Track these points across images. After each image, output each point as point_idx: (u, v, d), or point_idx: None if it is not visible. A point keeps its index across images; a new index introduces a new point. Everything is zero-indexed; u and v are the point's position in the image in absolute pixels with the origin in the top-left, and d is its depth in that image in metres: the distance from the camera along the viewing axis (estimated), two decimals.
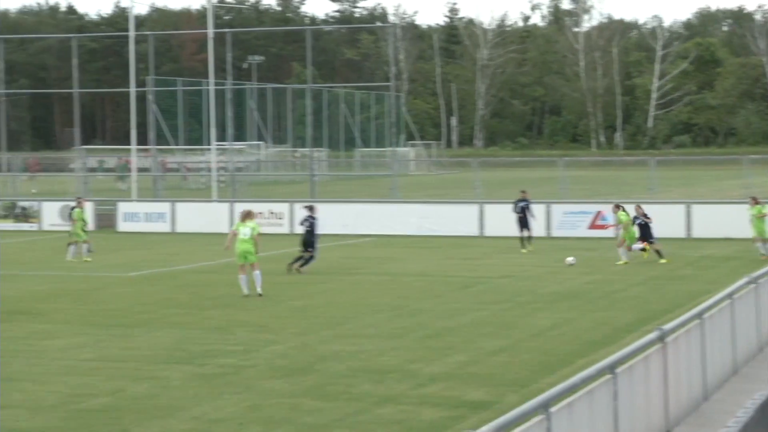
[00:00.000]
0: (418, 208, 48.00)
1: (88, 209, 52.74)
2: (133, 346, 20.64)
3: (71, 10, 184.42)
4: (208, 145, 65.13)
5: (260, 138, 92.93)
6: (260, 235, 28.52)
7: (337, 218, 43.77)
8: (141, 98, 60.93)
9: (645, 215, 34.66)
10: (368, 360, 19.18)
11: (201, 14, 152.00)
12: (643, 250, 34.20)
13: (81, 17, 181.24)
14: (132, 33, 56.94)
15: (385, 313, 24.72)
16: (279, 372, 18.16)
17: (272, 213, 49.84)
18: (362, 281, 30.73)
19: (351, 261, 33.51)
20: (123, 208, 51.62)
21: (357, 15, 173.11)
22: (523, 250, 37.21)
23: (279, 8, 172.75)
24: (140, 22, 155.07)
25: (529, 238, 38.03)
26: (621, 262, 33.55)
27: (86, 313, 25.14)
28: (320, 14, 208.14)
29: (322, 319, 24.00)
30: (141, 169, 62.66)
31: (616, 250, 34.46)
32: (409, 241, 42.78)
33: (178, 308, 25.69)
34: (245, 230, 27.92)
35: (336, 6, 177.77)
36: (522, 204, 38.45)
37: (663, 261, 33.78)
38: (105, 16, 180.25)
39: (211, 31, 55.54)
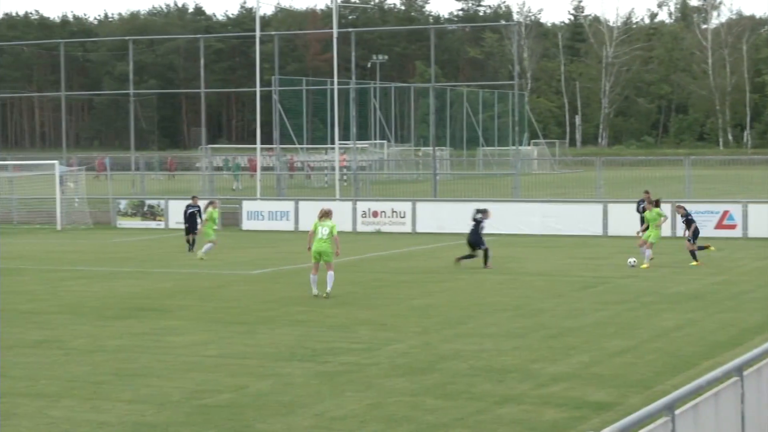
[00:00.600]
0: (540, 207, 47.69)
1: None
2: (256, 343, 20.84)
3: (199, 11, 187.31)
4: (332, 144, 65.63)
5: (383, 137, 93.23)
6: (339, 234, 28.19)
7: (458, 217, 43.63)
8: (266, 98, 61.56)
9: (687, 215, 34.25)
10: (489, 359, 19.09)
11: (326, 14, 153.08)
12: (702, 248, 33.56)
13: (208, 18, 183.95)
14: (258, 33, 57.53)
15: (506, 313, 24.60)
16: (400, 370, 18.18)
17: (394, 212, 49.94)
18: (483, 280, 30.61)
19: (473, 260, 33.39)
20: (247, 206, 52.22)
21: (481, 13, 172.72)
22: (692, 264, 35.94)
23: (403, 7, 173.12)
24: (266, 22, 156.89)
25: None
26: (644, 266, 32.68)
27: (210, 310, 25.47)
28: (444, 13, 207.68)
29: (443, 317, 23.96)
30: (265, 168, 63.31)
31: (742, 250, 33.81)
32: (531, 241, 42.54)
33: (300, 306, 25.88)
34: (323, 230, 27.47)
35: (460, 5, 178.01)
36: (643, 204, 37.64)
37: (693, 264, 33.01)
38: (231, 16, 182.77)
39: (335, 30, 55.86)
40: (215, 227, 38.72)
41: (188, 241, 40.24)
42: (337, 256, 27.71)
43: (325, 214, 28.01)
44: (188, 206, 41.90)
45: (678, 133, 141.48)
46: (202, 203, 42.34)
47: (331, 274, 27.15)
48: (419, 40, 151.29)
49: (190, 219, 40.85)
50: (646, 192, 37.94)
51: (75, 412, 15.36)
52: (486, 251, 33.06)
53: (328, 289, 27.00)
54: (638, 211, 38.14)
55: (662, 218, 33.78)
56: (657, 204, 34.02)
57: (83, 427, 14.55)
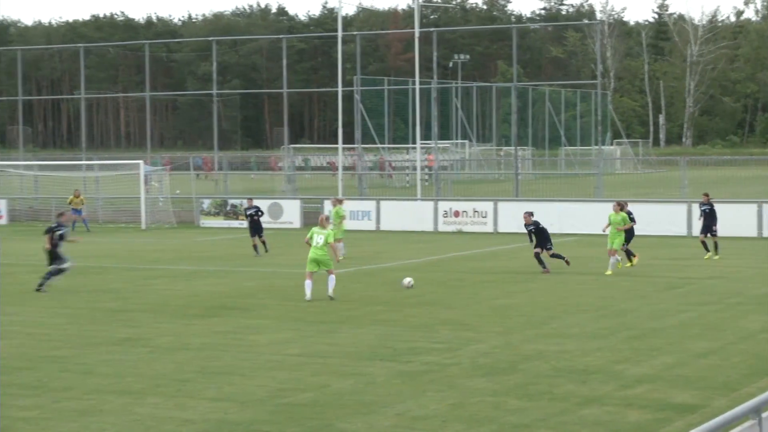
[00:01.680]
0: None
1: (295, 207, 53.90)
2: (338, 343, 20.91)
3: (281, 11, 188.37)
4: (413, 143, 65.60)
5: (465, 137, 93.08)
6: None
7: (541, 217, 43.41)
8: (348, 98, 61.75)
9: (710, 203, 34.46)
10: (572, 360, 18.98)
11: (407, 14, 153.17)
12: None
13: (291, 18, 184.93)
14: (340, 33, 57.73)
15: (589, 313, 24.44)
16: (482, 370, 18.13)
17: (476, 212, 49.84)
18: (565, 280, 30.43)
19: (554, 260, 33.21)
20: (328, 206, 52.37)
21: (564, 12, 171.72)
22: (705, 257, 35.27)
23: (485, 7, 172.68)
24: (348, 22, 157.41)
25: (715, 245, 35.23)
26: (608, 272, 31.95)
27: (292, 309, 25.60)
28: (526, 12, 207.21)
29: (524, 318, 23.87)
30: (346, 168, 63.48)
31: None
32: None
33: (381, 305, 25.93)
34: (319, 238, 27.26)
35: (542, 3, 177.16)
36: (704, 208, 36.20)
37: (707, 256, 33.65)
38: (313, 17, 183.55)
39: (417, 30, 55.86)
40: (343, 225, 38.05)
41: (255, 246, 39.29)
42: (338, 262, 27.73)
43: (323, 222, 27.91)
44: (246, 209, 41.21)
45: (764, 132, 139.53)
46: (257, 202, 42.04)
47: (332, 277, 27.04)
48: (501, 39, 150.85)
49: (253, 222, 39.86)
50: (705, 194, 36.46)
51: (159, 410, 15.53)
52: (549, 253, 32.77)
53: (330, 292, 26.81)
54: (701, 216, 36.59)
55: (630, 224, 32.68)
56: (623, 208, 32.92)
57: (167, 425, 14.70)
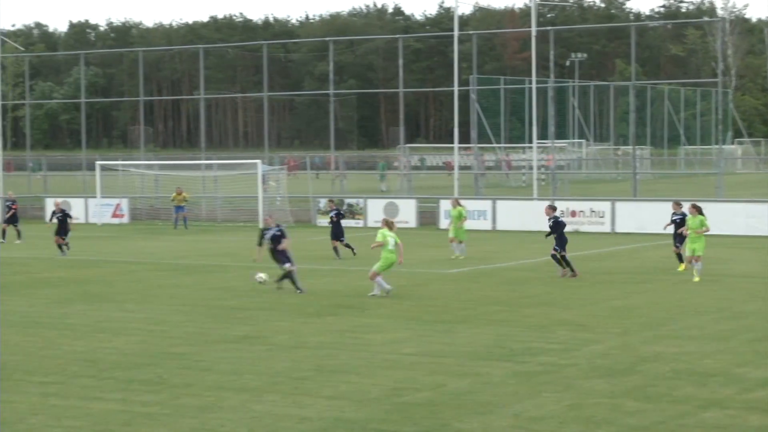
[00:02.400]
0: (744, 207, 46.51)
1: (411, 206, 53.96)
2: (454, 342, 20.87)
3: (398, 11, 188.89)
4: (530, 143, 65.26)
5: (582, 136, 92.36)
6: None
7: (661, 218, 42.89)
8: (464, 97, 61.63)
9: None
10: (691, 362, 18.69)
11: (524, 13, 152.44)
12: None
13: (407, 18, 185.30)
14: (456, 33, 57.67)
15: (709, 315, 24.05)
16: (599, 371, 17.95)
17: (593, 211, 49.42)
18: (685, 281, 29.98)
19: (673, 261, 32.77)
20: (445, 205, 52.36)
21: (683, 10, 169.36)
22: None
23: (603, 5, 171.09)
24: (464, 21, 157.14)
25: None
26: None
27: (408, 308, 25.62)
28: (645, 10, 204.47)
29: (643, 319, 23.57)
30: (463, 168, 63.40)
31: None
32: (734, 241, 41.50)
33: (497, 305, 25.82)
34: (392, 240, 27.58)
35: (662, 1, 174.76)
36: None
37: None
38: (430, 16, 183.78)
39: (534, 29, 55.57)
40: (463, 226, 37.87)
41: (335, 249, 38.26)
42: (399, 264, 27.87)
43: (391, 224, 28.14)
44: (330, 211, 40.35)
45: None
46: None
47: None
48: (619, 37, 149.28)
49: (336, 225, 38.85)
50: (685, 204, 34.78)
51: (277, 407, 15.65)
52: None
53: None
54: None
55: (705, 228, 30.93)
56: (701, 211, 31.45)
57: (285, 422, 14.81)
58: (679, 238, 32.58)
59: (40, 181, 71.08)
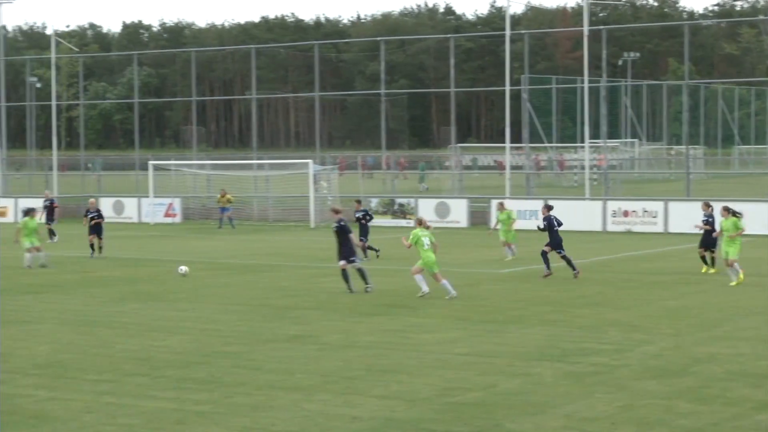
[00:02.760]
0: None
1: (462, 206, 53.89)
2: (506, 342, 20.82)
3: (449, 11, 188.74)
4: (582, 142, 64.95)
5: (634, 135, 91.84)
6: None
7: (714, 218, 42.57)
8: (515, 96, 61.47)
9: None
10: (746, 364, 18.53)
11: (576, 12, 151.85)
12: None
13: (458, 18, 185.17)
14: (508, 32, 57.54)
15: (763, 316, 23.84)
16: (652, 372, 17.84)
17: (646, 211, 49.13)
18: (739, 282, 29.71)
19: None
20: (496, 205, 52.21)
21: (737, 8, 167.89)
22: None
23: (656, 3, 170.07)
24: (516, 21, 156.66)
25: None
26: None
27: (459, 308, 25.59)
28: (699, 8, 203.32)
29: (696, 320, 23.41)
30: (514, 167, 63.24)
31: None
32: None
33: (549, 305, 25.73)
34: (426, 240, 27.33)
35: (715, 0, 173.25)
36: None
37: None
38: (481, 16, 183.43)
39: (586, 28, 55.32)
40: (512, 228, 37.72)
41: (363, 249, 37.76)
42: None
43: (424, 223, 27.98)
44: (357, 212, 39.61)
45: None
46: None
47: (445, 281, 27.04)
48: (672, 36, 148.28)
49: (361, 226, 38.55)
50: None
51: (329, 406, 15.68)
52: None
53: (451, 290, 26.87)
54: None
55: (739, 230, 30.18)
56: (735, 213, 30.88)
57: (336, 421, 14.84)
58: (708, 240, 32.25)
59: (93, 180, 71.63)
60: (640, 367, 18.35)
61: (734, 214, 30.32)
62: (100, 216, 40.27)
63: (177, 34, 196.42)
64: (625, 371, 17.99)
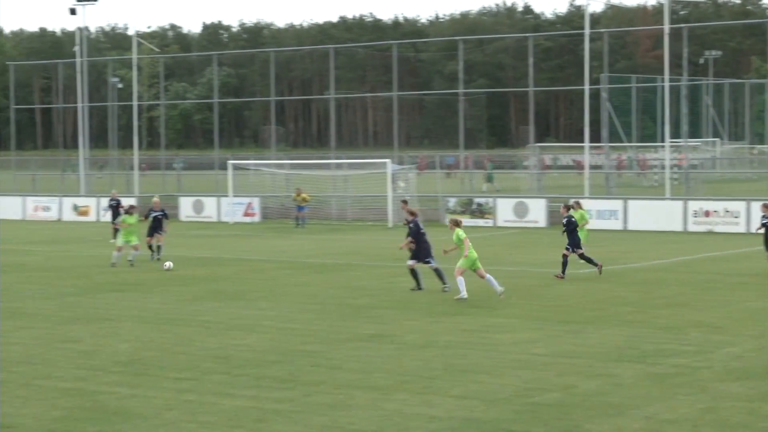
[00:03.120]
0: None
1: (541, 206, 53.63)
2: (585, 343, 20.67)
3: (527, 9, 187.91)
4: (662, 142, 64.32)
5: (716, 135, 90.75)
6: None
7: None
8: (594, 96, 61.05)
9: None
10: None
11: (657, 10, 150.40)
12: None
13: (537, 17, 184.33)
14: (587, 31, 57.17)
15: None
16: (735, 374, 17.61)
17: (727, 211, 48.55)
18: None
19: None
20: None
21: None
22: None
23: (738, 1, 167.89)
24: (595, 19, 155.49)
25: None
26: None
27: (538, 308, 25.47)
28: None
29: None
30: (593, 167, 62.81)
31: None
32: None
33: (628, 306, 25.51)
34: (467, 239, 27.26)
35: None
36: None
37: None
38: (560, 14, 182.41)
39: (667, 26, 54.77)
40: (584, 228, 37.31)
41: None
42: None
43: (460, 223, 28.02)
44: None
45: None
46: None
47: (489, 276, 27.07)
48: (755, 34, 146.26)
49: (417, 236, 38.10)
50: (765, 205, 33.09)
51: (407, 406, 15.67)
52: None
53: (498, 287, 26.88)
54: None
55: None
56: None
57: (414, 421, 14.82)
58: None
59: (173, 180, 72.31)
60: (722, 369, 18.13)
61: None
62: (164, 215, 39.24)
63: (256, 35, 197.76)
64: (706, 373, 17.78)
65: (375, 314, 24.63)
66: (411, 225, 29.36)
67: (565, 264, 31.08)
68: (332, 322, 23.60)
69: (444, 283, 28.35)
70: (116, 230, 46.03)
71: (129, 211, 37.42)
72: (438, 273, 28.51)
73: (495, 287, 26.88)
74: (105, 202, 63.53)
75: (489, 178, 74.11)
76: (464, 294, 26.68)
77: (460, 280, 26.94)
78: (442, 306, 25.79)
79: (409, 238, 29.07)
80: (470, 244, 27.16)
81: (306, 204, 55.48)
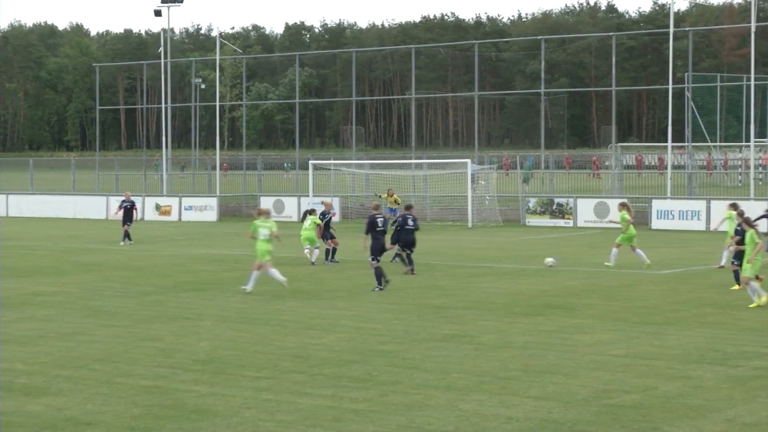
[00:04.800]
0: None
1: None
2: (664, 345, 20.46)
3: (611, 8, 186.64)
4: (747, 141, 63.51)
5: None
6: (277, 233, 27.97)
7: None
8: (678, 95, 60.50)
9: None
10: None
11: (743, 8, 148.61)
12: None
13: (620, 15, 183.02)
14: (671, 29, 56.60)
15: None
16: None
17: None
18: None
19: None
20: (656, 205, 51.49)
21: None
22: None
23: None
24: (680, 18, 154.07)
25: None
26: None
27: (617, 309, 25.26)
28: None
29: None
30: (676, 167, 62.20)
31: None
32: None
33: (710, 307, 25.22)
34: (264, 231, 28.21)
35: None
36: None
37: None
38: (644, 13, 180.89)
39: (753, 24, 54.07)
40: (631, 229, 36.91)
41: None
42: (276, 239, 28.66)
43: (264, 213, 28.88)
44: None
45: None
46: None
47: (273, 270, 28.33)
48: None
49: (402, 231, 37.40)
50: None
51: (484, 406, 15.62)
52: None
53: (281, 278, 28.24)
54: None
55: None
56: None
57: (491, 421, 14.77)
58: None
59: (254, 179, 72.81)
60: None
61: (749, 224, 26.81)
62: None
63: (338, 35, 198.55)
64: None
65: (452, 314, 24.59)
66: (398, 219, 30.03)
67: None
68: (410, 322, 23.61)
69: (379, 285, 28.77)
70: (126, 232, 46.31)
71: (310, 213, 37.36)
72: (378, 272, 28.94)
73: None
74: (186, 202, 64.16)
75: (525, 179, 70.81)
76: (250, 287, 28.20)
77: (255, 274, 28.29)
78: (520, 306, 25.69)
79: None
80: (262, 238, 28.30)
81: (397, 207, 55.23)
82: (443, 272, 33.58)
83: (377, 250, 29.27)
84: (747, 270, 25.55)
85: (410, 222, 32.67)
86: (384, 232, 30.14)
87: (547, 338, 21.27)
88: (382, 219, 30.18)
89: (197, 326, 23.19)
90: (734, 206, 31.50)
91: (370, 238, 29.85)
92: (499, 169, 68.32)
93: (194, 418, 15.06)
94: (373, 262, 29.27)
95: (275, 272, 28.52)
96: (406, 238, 32.52)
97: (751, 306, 25.21)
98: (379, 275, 28.96)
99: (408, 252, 32.89)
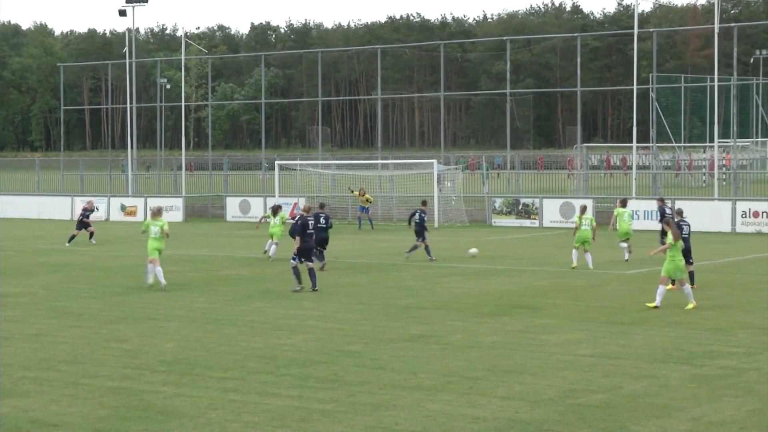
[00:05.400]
0: None
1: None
2: (631, 344, 20.56)
3: (576, 9, 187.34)
4: (710, 142, 63.90)
5: (765, 134, 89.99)
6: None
7: None
8: (643, 95, 60.77)
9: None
10: None
11: (706, 9, 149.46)
12: None
13: (585, 16, 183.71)
14: (636, 30, 56.87)
15: None
16: None
17: None
18: None
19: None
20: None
21: None
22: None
23: None
24: (644, 19, 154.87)
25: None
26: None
27: (584, 309, 25.36)
28: None
29: None
30: (640, 167, 62.46)
31: None
32: None
33: (675, 307, 25.31)
34: (155, 228, 29.47)
35: None
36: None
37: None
38: (608, 14, 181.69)
39: (716, 26, 54.39)
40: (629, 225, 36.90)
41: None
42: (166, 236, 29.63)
43: (156, 213, 29.99)
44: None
45: None
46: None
47: (159, 268, 29.48)
48: None
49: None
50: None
51: (451, 406, 15.65)
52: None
53: (161, 279, 29.31)
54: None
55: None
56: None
57: (459, 421, 14.80)
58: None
59: (220, 180, 72.63)
60: None
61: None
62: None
63: (304, 35, 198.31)
64: (754, 375, 17.64)
65: (420, 314, 24.62)
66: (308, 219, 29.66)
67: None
68: (377, 322, 23.61)
69: (314, 286, 28.84)
70: (74, 236, 46.27)
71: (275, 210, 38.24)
72: (311, 273, 29.05)
73: (147, 278, 29.67)
74: (151, 202, 63.97)
75: (483, 179, 69.75)
76: (151, 281, 29.45)
77: (150, 268, 29.48)
78: (487, 307, 25.74)
79: None
80: (152, 236, 29.45)
81: (368, 205, 55.24)
82: (410, 273, 33.61)
83: (305, 252, 29.09)
84: (663, 269, 25.48)
85: (322, 220, 33.07)
86: (312, 235, 29.84)
87: (514, 338, 21.33)
88: (313, 221, 29.89)
89: (164, 327, 23.11)
90: (661, 200, 35.41)
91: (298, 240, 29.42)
92: (466, 170, 68.37)
93: (161, 419, 15.01)
94: (293, 261, 29.14)
95: (160, 271, 29.48)
96: (319, 236, 32.59)
97: (648, 305, 25.24)
98: (297, 275, 28.91)
99: (321, 249, 33.29)
